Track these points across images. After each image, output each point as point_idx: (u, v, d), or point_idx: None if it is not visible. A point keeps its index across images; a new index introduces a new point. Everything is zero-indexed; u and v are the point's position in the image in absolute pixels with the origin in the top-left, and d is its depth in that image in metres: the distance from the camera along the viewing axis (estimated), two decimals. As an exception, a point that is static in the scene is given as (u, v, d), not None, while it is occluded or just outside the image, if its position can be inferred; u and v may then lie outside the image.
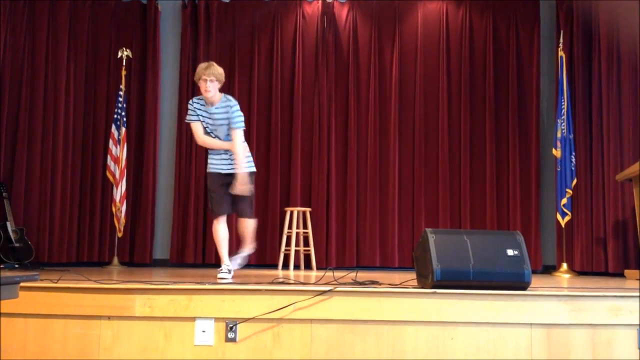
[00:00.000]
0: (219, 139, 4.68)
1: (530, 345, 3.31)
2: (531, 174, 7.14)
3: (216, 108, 4.64)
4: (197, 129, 4.70)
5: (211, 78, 4.57)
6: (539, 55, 7.29)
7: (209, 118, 4.66)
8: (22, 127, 6.85)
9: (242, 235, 4.87)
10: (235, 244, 7.17)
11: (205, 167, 7.10)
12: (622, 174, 5.67)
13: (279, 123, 7.34)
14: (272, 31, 7.52)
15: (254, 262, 6.96)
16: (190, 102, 4.74)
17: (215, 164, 4.74)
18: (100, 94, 7.36)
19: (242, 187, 4.61)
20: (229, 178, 4.67)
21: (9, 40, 6.81)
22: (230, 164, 4.69)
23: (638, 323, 3.30)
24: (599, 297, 3.34)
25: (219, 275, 4.51)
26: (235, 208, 4.74)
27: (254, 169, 4.81)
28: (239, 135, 4.65)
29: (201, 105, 4.69)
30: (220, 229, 4.68)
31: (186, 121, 4.79)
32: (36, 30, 7.01)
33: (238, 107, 4.67)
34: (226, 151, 4.70)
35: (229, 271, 4.60)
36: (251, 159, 4.82)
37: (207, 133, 4.70)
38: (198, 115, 4.68)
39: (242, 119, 4.68)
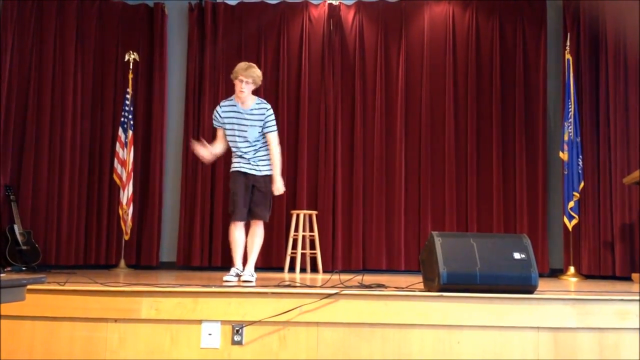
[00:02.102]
0: (248, 140, 4.66)
1: (537, 349, 3.30)
2: (538, 177, 7.12)
3: (250, 110, 4.66)
4: (218, 135, 4.79)
5: (247, 80, 4.61)
6: (546, 57, 7.27)
7: (241, 118, 4.65)
8: (30, 130, 6.88)
9: (247, 245, 4.77)
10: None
11: (211, 170, 7.24)
12: (630, 177, 5.65)
13: (285, 126, 7.33)
14: (279, 34, 7.53)
15: (260, 265, 6.95)
16: (217, 107, 4.76)
17: (237, 163, 4.73)
18: (107, 96, 7.39)
19: (279, 187, 4.71)
20: (250, 179, 4.67)
21: (16, 42, 6.85)
22: (250, 165, 4.68)
23: (645, 327, 3.28)
24: (606, 300, 3.33)
25: (225, 278, 4.51)
26: (251, 211, 4.71)
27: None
28: (274, 137, 4.73)
29: (230, 107, 4.70)
30: (236, 233, 4.69)
31: (213, 126, 4.85)
32: (43, 32, 7.05)
33: (272, 111, 4.74)
34: (248, 152, 4.68)
35: (237, 275, 4.60)
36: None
37: (233, 134, 4.68)
38: (223, 120, 4.70)
39: (275, 122, 4.75)
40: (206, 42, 7.49)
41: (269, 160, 4.73)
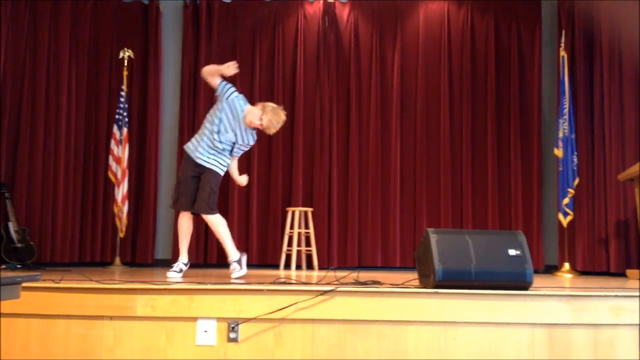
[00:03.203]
0: (225, 136, 4.56)
1: (531, 345, 3.31)
2: (533, 173, 7.14)
3: (247, 129, 4.63)
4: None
5: (262, 123, 4.54)
6: (541, 55, 7.28)
7: (238, 123, 4.57)
8: (24, 127, 6.86)
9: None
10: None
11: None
12: (624, 174, 5.67)
13: (281, 123, 7.33)
14: (274, 31, 7.53)
15: (255, 262, 6.97)
16: (235, 91, 4.62)
17: (193, 146, 4.64)
18: (102, 94, 7.37)
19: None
20: (199, 169, 4.59)
21: (10, 40, 6.81)
22: (203, 156, 4.58)
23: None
24: (601, 297, 3.33)
25: (168, 274, 4.48)
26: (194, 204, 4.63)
27: (221, 174, 4.68)
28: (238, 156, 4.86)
29: (243, 101, 4.63)
30: (182, 223, 4.68)
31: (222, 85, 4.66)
32: (38, 30, 7.02)
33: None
34: (214, 142, 4.58)
35: (180, 270, 4.57)
36: (226, 164, 4.69)
37: (223, 121, 4.55)
38: (227, 101, 4.56)
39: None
40: (201, 40, 7.48)
41: (216, 156, 4.61)
